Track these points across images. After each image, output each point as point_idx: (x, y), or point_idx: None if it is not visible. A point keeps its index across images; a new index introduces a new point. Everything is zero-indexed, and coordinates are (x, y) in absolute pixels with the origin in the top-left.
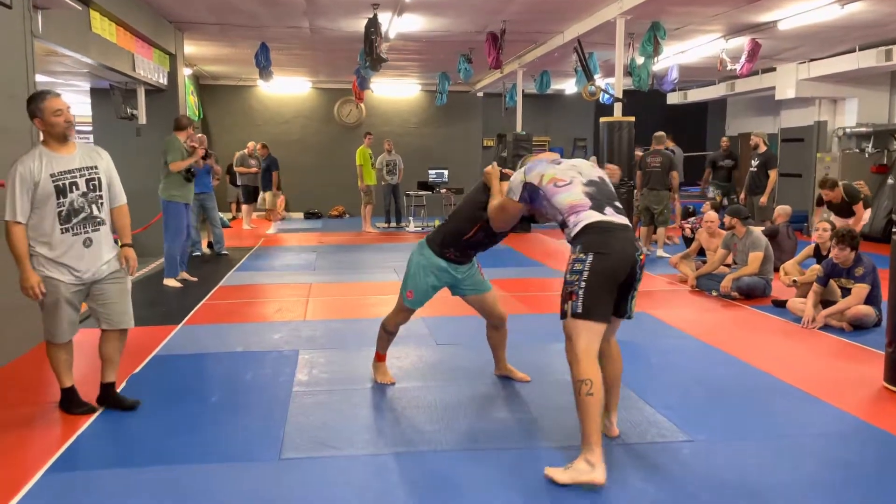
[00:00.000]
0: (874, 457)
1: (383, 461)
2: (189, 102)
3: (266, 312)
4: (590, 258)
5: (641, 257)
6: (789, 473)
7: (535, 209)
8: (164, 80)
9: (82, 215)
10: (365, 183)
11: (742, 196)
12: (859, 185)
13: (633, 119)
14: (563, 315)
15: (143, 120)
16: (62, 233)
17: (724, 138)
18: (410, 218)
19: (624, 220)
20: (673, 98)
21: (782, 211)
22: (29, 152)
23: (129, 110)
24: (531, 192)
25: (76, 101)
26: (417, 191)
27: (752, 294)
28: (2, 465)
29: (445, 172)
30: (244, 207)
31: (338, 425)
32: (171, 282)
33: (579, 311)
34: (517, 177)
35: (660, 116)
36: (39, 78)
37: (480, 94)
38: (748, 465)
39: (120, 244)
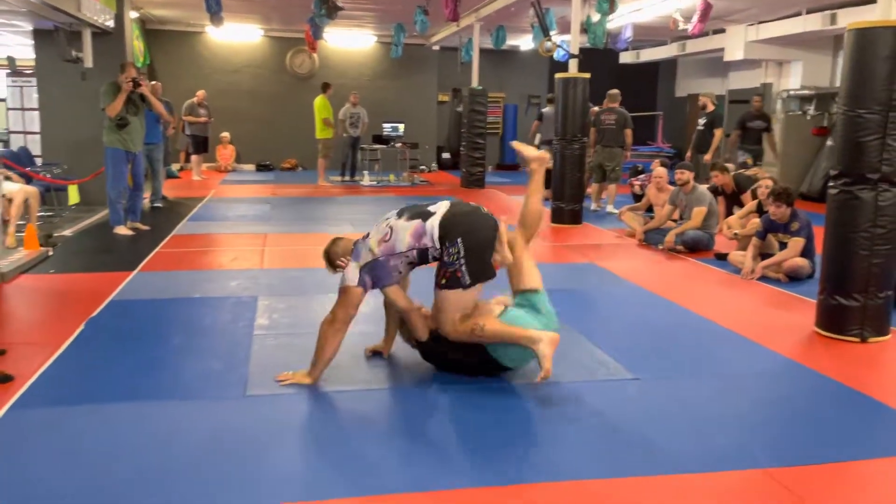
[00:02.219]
0: (802, 391)
1: (344, 397)
2: (133, 48)
3: (222, 261)
4: (459, 242)
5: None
6: (727, 407)
7: (384, 282)
8: (110, 23)
9: None
10: (324, 136)
11: (688, 153)
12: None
13: (588, 76)
14: (445, 286)
15: (88, 63)
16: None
17: (756, 97)
18: (365, 172)
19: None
20: (625, 57)
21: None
22: None
23: (74, 53)
24: (372, 269)
25: (18, 43)
26: (372, 144)
27: (696, 247)
28: None
29: (401, 126)
30: (193, 158)
31: (300, 365)
32: (120, 229)
33: (468, 281)
34: (351, 271)
35: (612, 75)
36: None
37: (436, 47)
38: (689, 400)
39: None
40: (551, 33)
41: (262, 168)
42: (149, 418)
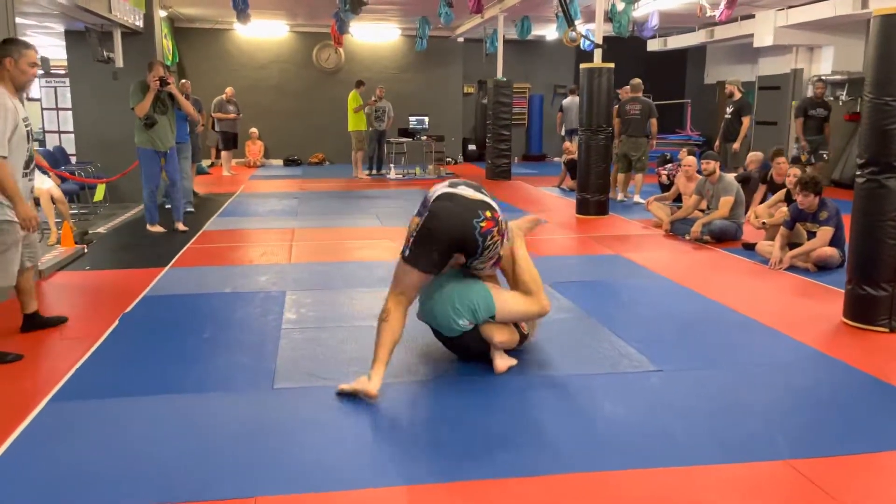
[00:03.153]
0: (828, 382)
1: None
2: (162, 46)
3: (251, 256)
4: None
5: (482, 225)
6: (750, 398)
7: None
8: (139, 22)
9: (33, 164)
10: (356, 128)
11: (717, 142)
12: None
13: (612, 65)
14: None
15: (119, 63)
16: (23, 177)
17: (819, 83)
18: (391, 165)
19: (477, 195)
20: (653, 45)
21: (754, 157)
22: None
23: (105, 53)
24: None
25: (50, 45)
26: (398, 138)
27: (723, 237)
28: (5, 394)
29: (426, 119)
30: (223, 154)
31: (327, 359)
32: (154, 227)
33: (406, 255)
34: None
35: (639, 64)
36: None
37: (461, 39)
38: (712, 392)
39: None
40: (576, 23)
41: (290, 163)
42: (182, 410)
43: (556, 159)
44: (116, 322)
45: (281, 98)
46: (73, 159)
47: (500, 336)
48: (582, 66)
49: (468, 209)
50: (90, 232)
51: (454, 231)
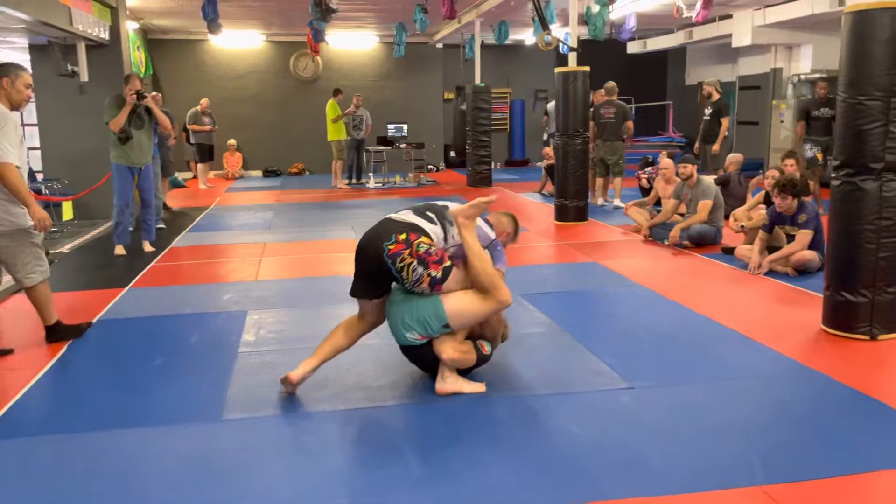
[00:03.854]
0: (807, 397)
1: (323, 418)
2: (134, 58)
3: (217, 273)
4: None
5: (391, 247)
6: (726, 415)
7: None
8: (105, 35)
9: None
10: (336, 137)
11: (696, 144)
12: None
13: (587, 69)
14: None
15: (84, 77)
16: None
17: (822, 83)
18: (370, 174)
19: (406, 218)
20: (633, 47)
21: (734, 159)
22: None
23: (69, 67)
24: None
25: (15, 59)
26: (377, 146)
27: (702, 242)
28: None
29: (405, 127)
30: (199, 167)
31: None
32: (120, 249)
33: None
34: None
35: (620, 66)
36: None
37: (440, 45)
38: (686, 409)
39: None
40: (552, 27)
41: (269, 174)
42: (120, 448)
43: (539, 164)
44: (64, 349)
45: (259, 108)
46: (40, 176)
47: (449, 353)
48: (557, 69)
49: (386, 231)
50: (51, 252)
51: (369, 256)
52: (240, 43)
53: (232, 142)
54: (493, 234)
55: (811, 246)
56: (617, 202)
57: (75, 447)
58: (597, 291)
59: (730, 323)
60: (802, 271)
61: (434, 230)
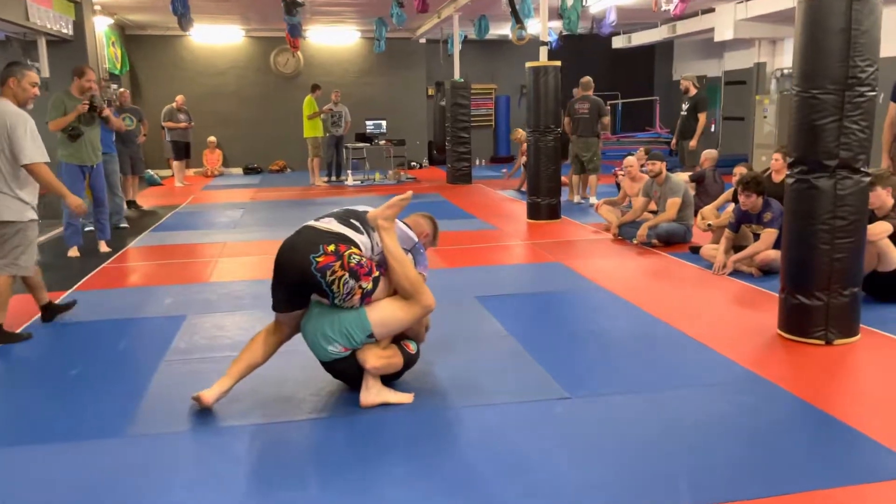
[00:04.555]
0: (752, 407)
1: (234, 434)
2: (109, 54)
3: (167, 275)
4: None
5: (319, 260)
6: (660, 428)
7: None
8: (69, 30)
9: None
10: (312, 134)
11: (673, 141)
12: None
13: (559, 63)
14: None
15: (45, 73)
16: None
17: None
18: (349, 171)
19: (331, 227)
20: (618, 42)
21: (709, 155)
22: (8, 104)
23: (29, 63)
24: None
25: None
26: (356, 143)
27: (671, 240)
28: None
29: (384, 123)
30: (175, 164)
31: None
32: (73, 252)
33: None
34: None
35: (605, 61)
36: None
37: (423, 40)
38: (619, 422)
39: None
40: (530, 21)
41: (249, 171)
42: (10, 467)
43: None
44: None
45: (239, 105)
46: None
47: (373, 360)
48: (528, 64)
49: (311, 242)
50: None
51: (294, 268)
52: (219, 38)
53: (212, 139)
54: (415, 237)
55: (776, 245)
56: (593, 199)
57: None
58: (555, 294)
59: (685, 327)
60: (767, 271)
61: (362, 240)
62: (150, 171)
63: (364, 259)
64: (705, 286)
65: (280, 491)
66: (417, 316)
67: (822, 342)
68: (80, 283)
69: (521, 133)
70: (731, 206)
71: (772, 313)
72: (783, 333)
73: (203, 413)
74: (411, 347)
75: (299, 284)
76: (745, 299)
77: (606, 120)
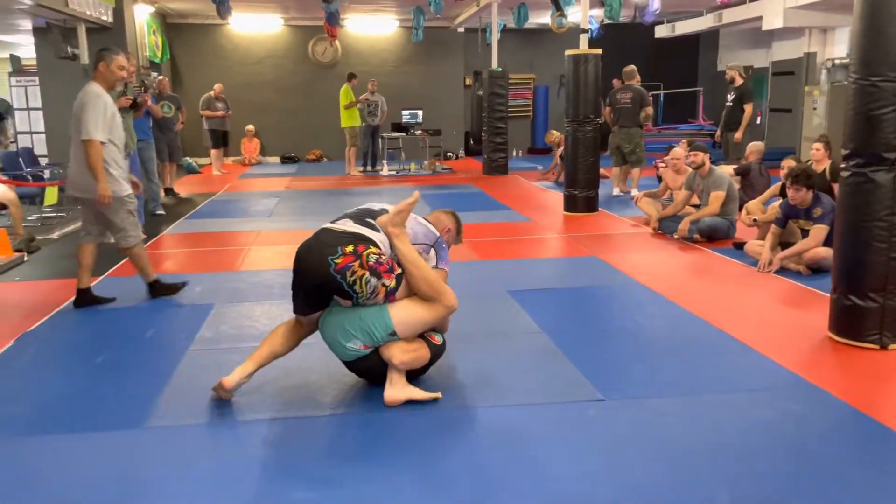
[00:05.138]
0: (798, 415)
1: (249, 429)
2: (150, 42)
3: (198, 262)
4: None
5: (338, 261)
6: (698, 435)
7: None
8: (108, 17)
9: (126, 150)
10: (349, 124)
11: (717, 132)
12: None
13: (599, 52)
14: None
15: (84, 60)
16: (124, 158)
17: None
18: (384, 161)
19: (347, 228)
20: (661, 31)
21: (754, 148)
22: (93, 85)
23: (69, 50)
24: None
25: (23, 42)
26: (392, 133)
27: (714, 236)
28: None
29: (420, 113)
30: (213, 152)
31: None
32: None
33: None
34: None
35: (648, 51)
36: None
37: (461, 29)
38: (656, 426)
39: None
40: (571, 9)
41: (286, 160)
42: (14, 459)
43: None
44: (11, 343)
45: (277, 94)
46: (45, 160)
47: (400, 355)
48: (567, 52)
49: (328, 244)
50: (38, 238)
51: (313, 271)
52: (258, 27)
53: (250, 127)
54: (436, 232)
55: (827, 242)
56: (634, 192)
57: None
58: (590, 289)
59: (728, 327)
60: (817, 270)
61: (379, 238)
62: (189, 159)
63: (384, 257)
64: (750, 284)
65: (294, 489)
66: (441, 316)
67: (876, 346)
68: (112, 269)
69: (555, 134)
70: (779, 200)
71: (821, 314)
72: (834, 336)
73: (223, 404)
74: (437, 339)
75: (319, 287)
76: (792, 299)
77: (649, 110)
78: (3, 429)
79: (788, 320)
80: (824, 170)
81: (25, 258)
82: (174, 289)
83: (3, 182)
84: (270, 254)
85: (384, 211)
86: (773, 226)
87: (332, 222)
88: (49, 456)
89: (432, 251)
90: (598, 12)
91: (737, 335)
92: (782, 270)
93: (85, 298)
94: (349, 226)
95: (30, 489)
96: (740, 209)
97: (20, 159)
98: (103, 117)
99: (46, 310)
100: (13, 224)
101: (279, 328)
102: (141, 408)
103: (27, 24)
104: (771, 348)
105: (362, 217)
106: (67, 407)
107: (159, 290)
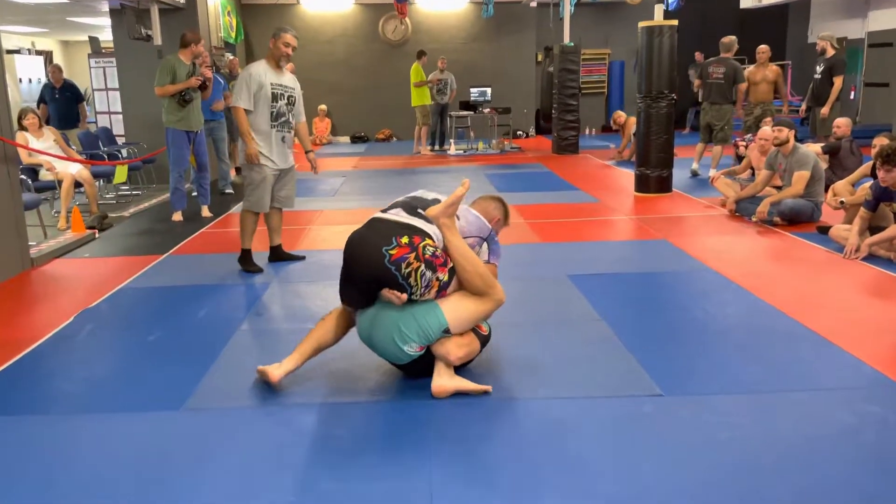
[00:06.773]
0: (879, 418)
1: (292, 414)
2: (224, 23)
3: (258, 241)
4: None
5: (392, 252)
6: (765, 437)
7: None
8: None
9: (282, 119)
10: (420, 102)
11: (803, 107)
12: None
13: (675, 23)
14: None
15: (158, 41)
16: (270, 128)
17: None
18: (451, 140)
19: (400, 218)
20: (746, 2)
21: (842, 123)
22: (257, 62)
23: (143, 31)
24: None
25: (100, 24)
26: (460, 111)
27: (796, 219)
28: None
29: (488, 91)
30: None
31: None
32: (177, 216)
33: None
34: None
35: (732, 22)
36: None
37: (533, 4)
38: (718, 426)
39: (305, 150)
40: None
41: (356, 140)
42: (55, 436)
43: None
44: (70, 319)
45: (348, 73)
46: (122, 140)
47: (456, 351)
48: (640, 24)
49: (382, 236)
50: (109, 216)
51: (365, 263)
52: (329, 6)
53: (322, 107)
54: (489, 224)
55: None
56: (712, 172)
57: (17, 431)
58: (656, 275)
59: (806, 319)
60: None
61: (433, 230)
62: None
63: (438, 250)
64: (834, 272)
65: (331, 478)
66: (491, 310)
67: None
68: (176, 248)
69: (622, 116)
70: (869, 182)
71: None
72: None
73: (261, 389)
74: (484, 329)
75: (371, 280)
76: (880, 289)
77: (743, 86)
78: (52, 406)
79: (875, 313)
80: None
81: (97, 235)
82: (293, 258)
83: (79, 161)
84: (330, 233)
85: (436, 201)
86: (861, 209)
87: (384, 211)
88: (72, 436)
89: (484, 245)
90: None
91: (815, 328)
92: (870, 257)
93: (276, 253)
94: (402, 216)
95: (66, 468)
96: (826, 190)
97: (98, 139)
98: (247, 89)
99: (110, 286)
100: (88, 202)
101: (328, 317)
102: (183, 389)
103: (104, 6)
104: (853, 343)
105: (414, 207)
106: (112, 385)
107: (279, 255)
